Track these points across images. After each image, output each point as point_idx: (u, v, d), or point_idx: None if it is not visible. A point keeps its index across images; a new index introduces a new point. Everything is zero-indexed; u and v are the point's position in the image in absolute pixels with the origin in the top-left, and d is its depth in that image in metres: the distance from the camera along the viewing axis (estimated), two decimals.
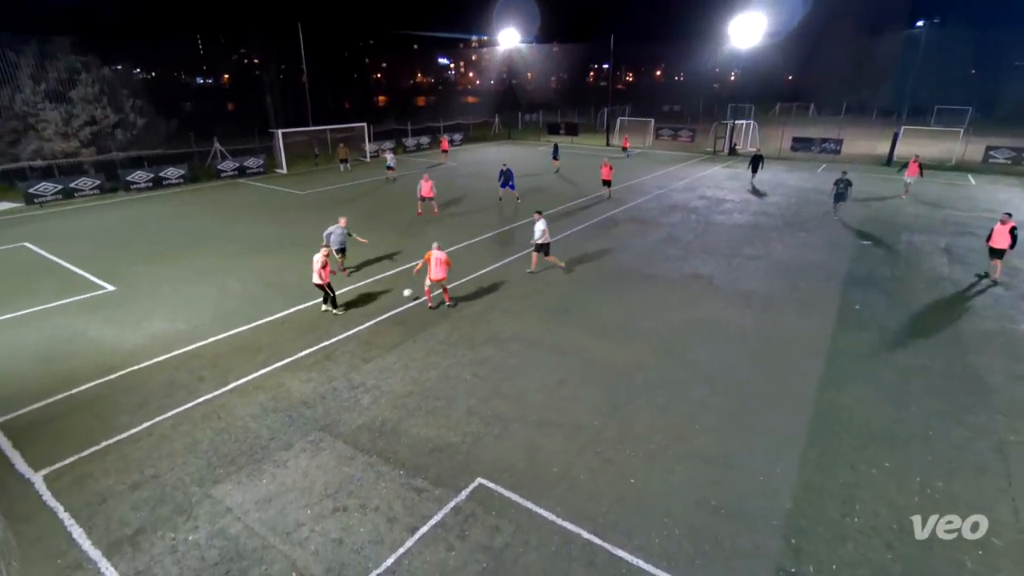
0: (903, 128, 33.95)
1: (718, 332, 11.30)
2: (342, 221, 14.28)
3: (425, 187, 20.50)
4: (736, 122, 38.62)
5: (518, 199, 22.57)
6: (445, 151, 35.31)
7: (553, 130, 47.64)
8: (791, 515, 6.61)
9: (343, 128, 37.40)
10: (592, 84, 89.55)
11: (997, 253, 13.59)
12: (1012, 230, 13.22)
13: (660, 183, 27.05)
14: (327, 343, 10.88)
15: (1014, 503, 6.77)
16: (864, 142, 39.64)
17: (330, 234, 13.95)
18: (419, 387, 9.34)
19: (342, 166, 31.01)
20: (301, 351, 10.56)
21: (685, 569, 5.89)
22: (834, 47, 67.44)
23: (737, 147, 37.76)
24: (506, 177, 22.10)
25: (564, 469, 7.37)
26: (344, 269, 14.64)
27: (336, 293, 12.25)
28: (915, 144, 36.12)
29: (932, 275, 14.47)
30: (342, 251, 14.33)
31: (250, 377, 9.67)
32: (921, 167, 23.02)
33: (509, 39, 53.53)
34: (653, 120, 43.40)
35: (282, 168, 31.35)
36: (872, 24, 68.01)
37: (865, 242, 17.29)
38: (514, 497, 6.87)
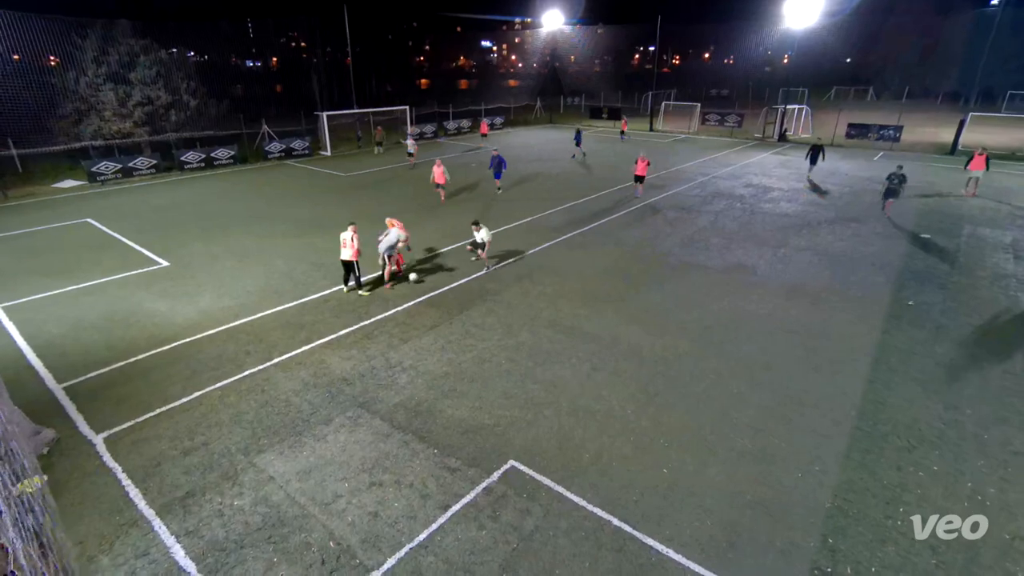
0: (970, 115, 31.88)
1: (760, 325, 11.00)
2: (398, 225, 13.07)
3: (437, 172, 19.97)
4: (788, 107, 37.06)
5: (499, 189, 21.46)
6: (484, 135, 35.34)
7: (595, 114, 46.92)
8: (830, 514, 6.43)
9: (385, 111, 37.84)
10: (637, 67, 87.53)
11: None
12: None
13: (705, 170, 26.32)
14: (366, 323, 11.14)
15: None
16: (927, 129, 37.51)
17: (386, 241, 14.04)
18: (455, 369, 9.47)
19: (376, 148, 31.59)
20: (342, 330, 10.84)
21: (716, 561, 5.83)
22: (898, 27, 63.66)
23: (788, 133, 36.31)
24: (498, 166, 20.86)
25: (596, 455, 7.37)
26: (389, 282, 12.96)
27: (362, 275, 12.54)
28: (984, 132, 33.98)
29: (995, 272, 13.66)
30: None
31: (293, 353, 10.00)
32: (988, 159, 20.97)
33: (553, 21, 52.76)
34: (699, 104, 42.11)
35: (326, 150, 32.03)
36: (940, 2, 63.81)
37: (924, 235, 16.43)
38: (545, 481, 6.92)
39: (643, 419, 8.13)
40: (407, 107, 37.05)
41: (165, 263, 14.60)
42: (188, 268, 14.21)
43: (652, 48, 58.32)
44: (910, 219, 18.07)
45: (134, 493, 6.81)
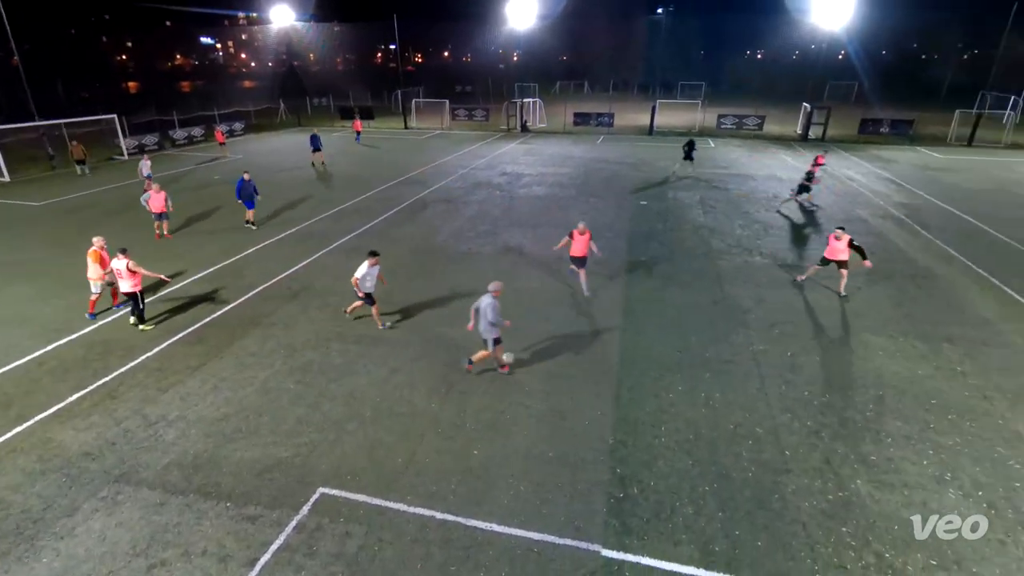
0: (658, 102, 39.45)
1: (535, 297, 12.12)
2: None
3: (156, 200, 15.58)
4: (524, 100, 41.06)
5: (251, 224, 16.90)
6: (222, 143, 31.37)
7: (347, 114, 45.49)
8: (614, 449, 7.50)
9: (84, 121, 30.93)
10: (381, 65, 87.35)
11: (827, 262, 12.23)
12: (851, 243, 11.80)
13: (463, 162, 27.71)
14: (106, 379, 9.15)
15: (767, 398, 8.57)
16: (631, 115, 45.25)
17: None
18: (235, 408, 8.41)
19: (79, 168, 25.56)
20: (71, 395, 8.72)
21: (533, 522, 6.34)
22: (595, 29, 75.33)
23: (528, 124, 40.27)
24: (246, 192, 16.56)
25: (408, 457, 7.33)
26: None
27: (145, 305, 10.54)
28: (669, 116, 42.35)
29: (694, 224, 17.31)
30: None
31: (3, 439, 7.72)
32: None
33: (283, 17, 49.32)
34: (448, 101, 44.00)
35: (2, 175, 24.95)
36: (622, 10, 77.36)
37: (642, 202, 19.92)
38: (361, 498, 6.65)
39: (448, 409, 8.33)
40: (115, 116, 30.85)
41: None
42: None
43: (394, 46, 58.76)
44: (629, 189, 21.72)
45: None
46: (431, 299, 12.09)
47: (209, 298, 12.16)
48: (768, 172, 25.06)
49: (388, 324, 10.85)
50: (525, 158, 28.94)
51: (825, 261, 12.09)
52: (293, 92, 53.15)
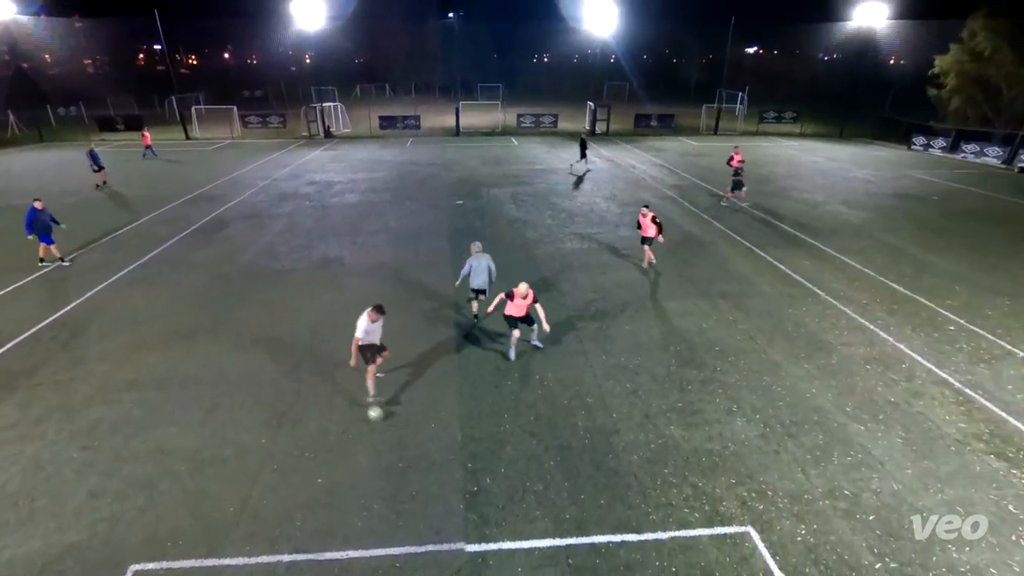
0: (460, 103, 40.61)
1: (363, 308, 11.67)
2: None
3: None
4: (324, 105, 39.10)
5: (40, 261, 13.78)
6: None
7: (108, 125, 38.68)
8: (463, 445, 7.61)
9: None
10: (146, 68, 75.93)
11: (647, 240, 13.63)
12: (654, 219, 13.32)
13: (263, 173, 25.47)
14: None
15: (592, 369, 9.44)
16: (436, 117, 45.88)
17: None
18: None
19: None
20: None
21: (393, 536, 6.16)
22: (390, 31, 74.63)
23: (332, 129, 38.47)
24: (40, 223, 13.34)
25: (241, 504, 6.58)
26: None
27: None
28: (472, 117, 43.85)
29: (509, 218, 18.23)
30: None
31: None
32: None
33: None
34: (235, 107, 39.96)
35: None
36: (415, 13, 77.77)
37: (458, 202, 20.38)
38: (188, 564, 5.80)
39: (282, 442, 7.66)
40: None
41: None
42: None
43: (159, 46, 51.39)
44: (443, 189, 22.08)
45: None
46: (248, 325, 10.95)
47: None
48: (568, 166, 27.41)
49: (371, 399, 8.40)
50: (333, 165, 27.63)
51: (645, 240, 13.68)
52: (24, 101, 43.49)
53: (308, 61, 75.74)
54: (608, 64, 78.84)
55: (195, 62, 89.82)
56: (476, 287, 10.63)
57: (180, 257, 14.71)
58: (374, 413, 8.19)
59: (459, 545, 6.07)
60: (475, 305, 10.99)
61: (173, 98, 40.66)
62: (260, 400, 8.57)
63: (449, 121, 41.31)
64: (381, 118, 39.94)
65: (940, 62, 35.15)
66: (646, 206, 13.68)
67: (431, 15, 77.18)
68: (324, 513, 6.46)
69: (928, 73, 36.53)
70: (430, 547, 6.04)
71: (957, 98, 34.48)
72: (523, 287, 9.12)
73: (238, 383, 9.01)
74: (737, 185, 19.56)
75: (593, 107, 39.60)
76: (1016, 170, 27.72)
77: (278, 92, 61.22)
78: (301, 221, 17.92)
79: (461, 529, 6.27)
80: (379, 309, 8.13)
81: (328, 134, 37.68)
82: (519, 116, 40.78)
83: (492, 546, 6.07)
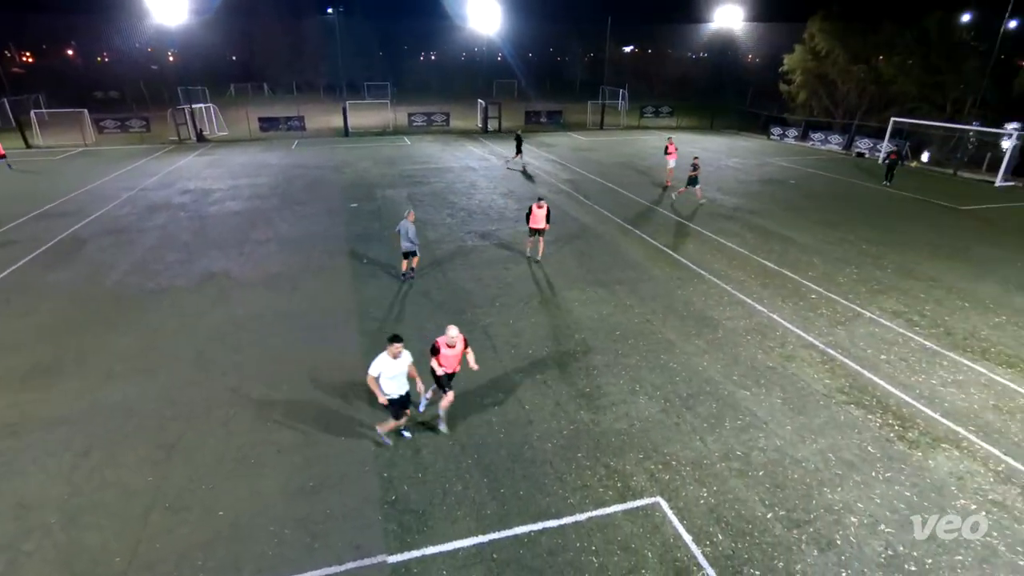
0: (347, 103, 39.15)
1: (258, 320, 10.95)
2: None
3: None
4: (194, 106, 35.95)
5: None
6: None
7: None
8: (376, 455, 7.39)
9: None
10: None
11: (538, 232, 13.91)
12: (547, 211, 13.71)
13: (127, 183, 22.94)
14: None
15: (503, 364, 9.55)
16: (322, 117, 43.90)
17: None
18: None
19: None
20: None
21: (307, 560, 5.85)
22: (266, 27, 70.09)
23: (205, 133, 35.50)
24: None
25: (130, 553, 5.92)
26: None
27: None
28: (361, 116, 42.51)
29: None
30: None
31: None
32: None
33: None
34: (87, 110, 35.59)
35: None
36: (291, 8, 73.67)
37: (352, 204, 19.68)
38: None
39: (174, 475, 6.98)
40: None
41: None
42: None
43: None
44: (336, 193, 21.22)
45: None
46: (122, 352, 9.84)
47: None
48: (463, 164, 27.41)
49: (409, 434, 7.74)
50: (210, 171, 25.51)
51: (532, 232, 13.93)
52: None
53: (172, 59, 69.11)
54: (495, 62, 79.86)
55: (30, 60, 78.75)
56: (404, 250, 12.51)
57: (32, 282, 12.89)
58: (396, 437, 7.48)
59: (381, 558, 5.90)
60: (404, 264, 12.90)
61: (5, 101, 35.39)
62: (142, 434, 7.75)
63: (336, 121, 39.70)
64: (261, 119, 37.47)
65: (788, 61, 39.35)
66: (541, 198, 14.03)
67: (308, 11, 73.55)
68: (228, 547, 5.99)
69: (779, 71, 40.77)
70: (350, 565, 5.82)
71: (804, 93, 38.77)
72: (453, 331, 7.29)
73: (114, 418, 8.09)
74: (692, 181, 19.44)
75: (484, 105, 39.89)
76: (854, 155, 31.79)
77: (138, 93, 55.32)
78: (177, 234, 16.39)
79: (381, 541, 6.09)
80: (396, 339, 6.78)
81: (201, 138, 34.71)
82: (410, 115, 40.12)
83: (415, 553, 5.96)
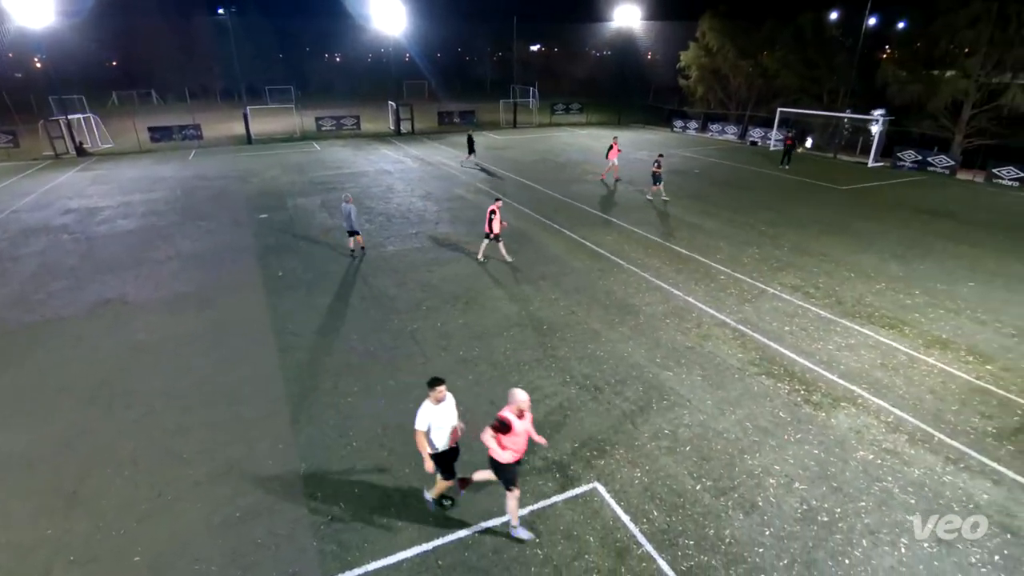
0: (248, 108, 37.03)
1: (161, 348, 10.12)
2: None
3: None
4: (71, 117, 32.59)
5: None
6: None
7: None
8: (307, 477, 7.07)
9: None
10: None
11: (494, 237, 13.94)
12: (492, 213, 13.67)
13: None
14: None
15: (433, 368, 9.43)
16: (221, 124, 41.28)
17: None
18: None
19: None
20: None
21: None
22: (151, 29, 64.82)
23: (86, 146, 32.32)
24: None
25: None
26: None
27: None
28: (264, 122, 40.43)
29: (323, 227, 17.23)
30: None
31: None
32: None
33: None
34: None
35: None
36: (178, 8, 68.64)
37: (262, 215, 18.66)
38: None
39: (78, 525, 6.32)
40: None
41: None
42: None
43: None
44: (242, 204, 20.06)
45: None
46: (5, 395, 8.78)
47: None
48: (378, 167, 26.76)
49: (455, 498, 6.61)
50: (95, 188, 23.26)
51: (488, 235, 13.85)
52: None
53: (38, 65, 62.24)
54: (403, 63, 78.48)
55: None
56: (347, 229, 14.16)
57: None
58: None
59: None
60: (351, 242, 14.45)
61: None
62: (35, 483, 6.96)
63: (238, 128, 37.44)
64: (152, 129, 34.60)
65: (684, 57, 41.56)
66: (498, 199, 14.10)
67: (198, 11, 68.74)
68: None
69: (677, 67, 43.04)
70: None
71: (701, 87, 41.11)
72: (523, 396, 5.58)
73: (7, 466, 7.20)
74: (656, 178, 19.79)
75: (395, 106, 39.13)
76: (748, 143, 34.24)
77: (0, 104, 49.43)
78: (60, 259, 14.83)
79: (319, 564, 5.84)
80: (438, 382, 5.74)
81: (82, 151, 31.56)
82: (318, 119, 38.61)
83: (358, 571, 5.77)
